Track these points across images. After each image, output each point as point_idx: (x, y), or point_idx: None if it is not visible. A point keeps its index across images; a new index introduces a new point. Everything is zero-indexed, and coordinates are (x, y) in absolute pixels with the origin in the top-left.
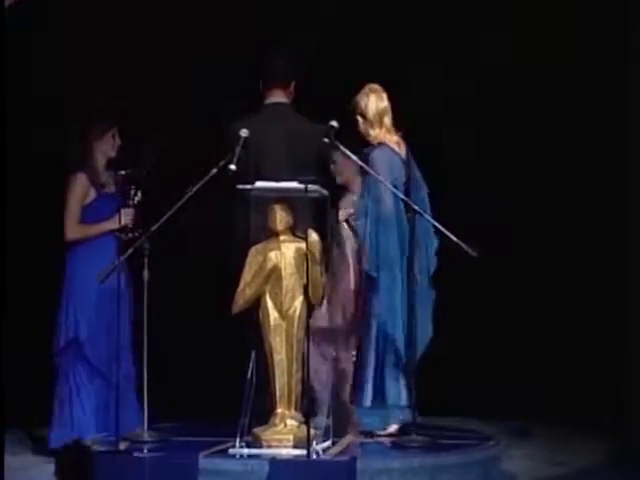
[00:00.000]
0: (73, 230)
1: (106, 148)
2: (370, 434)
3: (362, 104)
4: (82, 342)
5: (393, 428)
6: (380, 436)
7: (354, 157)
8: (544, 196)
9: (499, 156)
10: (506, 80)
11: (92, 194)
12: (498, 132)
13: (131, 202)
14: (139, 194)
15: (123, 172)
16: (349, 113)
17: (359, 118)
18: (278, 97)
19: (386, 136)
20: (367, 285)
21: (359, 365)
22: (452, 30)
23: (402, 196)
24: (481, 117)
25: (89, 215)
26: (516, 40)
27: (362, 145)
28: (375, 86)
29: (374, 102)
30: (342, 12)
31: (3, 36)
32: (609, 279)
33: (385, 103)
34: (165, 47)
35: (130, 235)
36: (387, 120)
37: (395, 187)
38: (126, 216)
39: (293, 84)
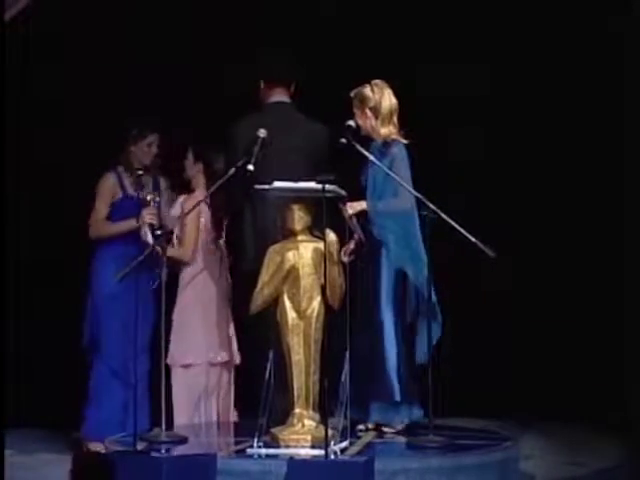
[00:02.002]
0: (95, 228)
1: (140, 155)
2: (378, 431)
3: (376, 99)
4: (101, 343)
5: (401, 425)
6: (388, 433)
7: (371, 157)
8: (548, 198)
9: (501, 157)
10: (510, 81)
11: (119, 194)
12: (504, 132)
13: (152, 201)
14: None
15: (140, 172)
16: (354, 106)
17: (368, 112)
18: (280, 96)
19: (394, 134)
20: (389, 282)
21: (382, 359)
22: (454, 30)
23: (418, 195)
24: (487, 117)
25: (114, 215)
26: (518, 39)
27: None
28: (382, 82)
29: (388, 98)
30: (342, 12)
31: (3, 48)
32: (620, 277)
33: (395, 100)
34: (168, 48)
35: (157, 233)
36: (395, 118)
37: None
38: (148, 215)
39: (294, 84)
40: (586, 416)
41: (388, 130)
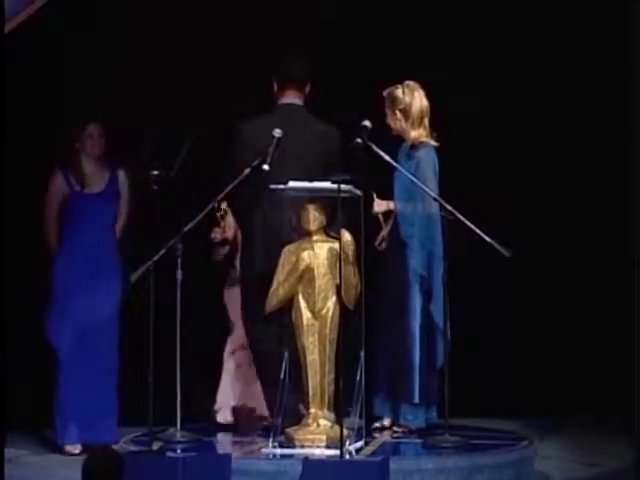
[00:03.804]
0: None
1: (86, 147)
2: (393, 431)
3: (406, 101)
4: (59, 346)
5: (415, 426)
6: (402, 433)
7: (387, 157)
8: (553, 197)
9: (503, 157)
10: (509, 82)
11: (66, 193)
12: (504, 132)
13: (219, 214)
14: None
15: (156, 172)
16: (385, 105)
17: (398, 114)
18: (292, 98)
19: (424, 136)
20: (414, 284)
21: (404, 360)
22: (454, 32)
23: (435, 195)
24: (487, 118)
25: (68, 215)
26: (517, 40)
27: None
28: (415, 83)
29: (418, 101)
30: (342, 16)
31: (3, 58)
32: (629, 280)
33: (426, 102)
34: (171, 47)
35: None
36: (426, 121)
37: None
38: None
39: (308, 86)
40: (602, 416)
41: (418, 133)
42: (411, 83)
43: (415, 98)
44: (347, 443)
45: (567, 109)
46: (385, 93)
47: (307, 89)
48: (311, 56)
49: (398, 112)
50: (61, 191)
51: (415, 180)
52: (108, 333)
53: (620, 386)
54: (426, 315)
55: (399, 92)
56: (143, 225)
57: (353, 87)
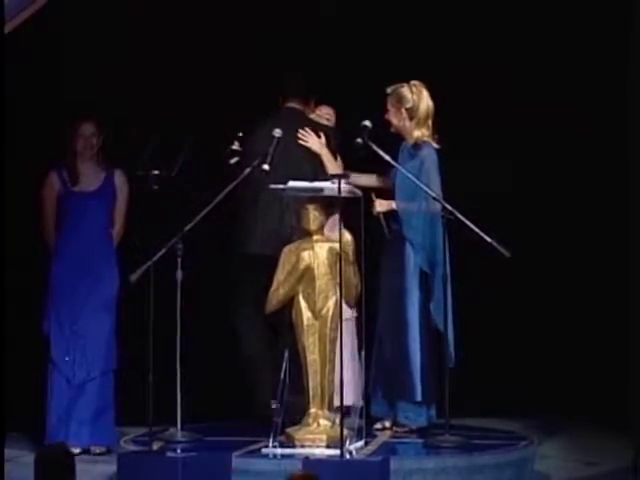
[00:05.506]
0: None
1: (78, 146)
2: (393, 430)
3: (414, 100)
4: (55, 345)
5: (416, 425)
6: (403, 432)
7: (387, 157)
8: (553, 197)
9: (502, 157)
10: (509, 81)
11: (60, 191)
12: (504, 133)
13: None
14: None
15: (156, 172)
16: (388, 103)
17: (404, 113)
18: (293, 104)
19: (427, 136)
20: (416, 283)
21: (406, 359)
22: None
23: (435, 195)
24: (486, 118)
25: (63, 214)
26: (517, 40)
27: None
28: (420, 83)
29: (425, 101)
30: (343, 12)
31: (3, 58)
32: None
33: (432, 103)
34: (171, 48)
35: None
36: (430, 121)
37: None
38: None
39: (313, 101)
40: (602, 416)
41: (421, 132)
42: (417, 82)
43: (423, 98)
44: (347, 443)
45: (567, 110)
46: (389, 90)
47: (312, 103)
48: (314, 72)
49: (404, 111)
50: (55, 189)
51: (414, 180)
52: (104, 331)
53: (619, 386)
54: (427, 314)
55: (406, 91)
56: (143, 225)
57: (352, 86)
